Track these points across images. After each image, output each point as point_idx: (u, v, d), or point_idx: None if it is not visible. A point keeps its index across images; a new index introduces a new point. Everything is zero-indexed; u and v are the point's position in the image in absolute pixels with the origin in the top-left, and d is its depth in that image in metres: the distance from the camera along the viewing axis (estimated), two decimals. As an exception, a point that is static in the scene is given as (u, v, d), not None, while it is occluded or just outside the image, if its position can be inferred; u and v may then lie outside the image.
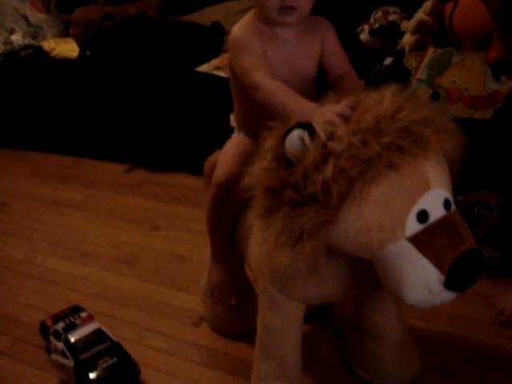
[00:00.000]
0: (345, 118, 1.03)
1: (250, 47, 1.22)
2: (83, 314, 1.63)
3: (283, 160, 1.03)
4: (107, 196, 2.55)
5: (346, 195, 0.98)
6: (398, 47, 2.37)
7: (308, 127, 1.01)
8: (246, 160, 1.23)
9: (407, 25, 2.31)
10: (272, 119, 1.11)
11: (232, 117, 1.45)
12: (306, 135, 1.00)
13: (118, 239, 2.21)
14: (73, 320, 1.61)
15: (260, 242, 1.19)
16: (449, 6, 2.18)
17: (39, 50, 3.02)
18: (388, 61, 2.30)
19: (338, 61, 1.31)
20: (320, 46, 1.29)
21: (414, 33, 2.26)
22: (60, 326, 1.59)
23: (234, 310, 1.60)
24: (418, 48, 2.24)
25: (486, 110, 1.98)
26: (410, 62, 2.24)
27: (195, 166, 2.56)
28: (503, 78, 1.99)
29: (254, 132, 1.28)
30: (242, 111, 1.38)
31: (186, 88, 2.50)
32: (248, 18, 1.28)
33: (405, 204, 1.01)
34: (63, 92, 2.87)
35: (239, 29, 1.26)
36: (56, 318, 1.65)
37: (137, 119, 2.69)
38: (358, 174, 0.97)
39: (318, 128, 1.00)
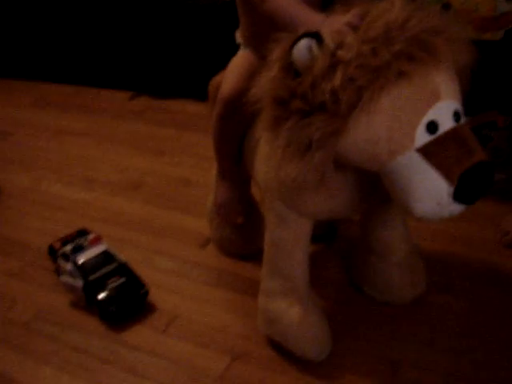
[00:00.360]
0: (353, 28, 1.00)
1: None
2: (90, 236, 1.65)
3: (291, 70, 1.01)
4: (111, 123, 2.54)
5: (355, 104, 0.96)
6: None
7: (316, 36, 0.98)
8: (252, 76, 1.21)
9: None
10: (279, 33, 1.08)
11: (238, 33, 1.42)
12: (313, 44, 0.98)
13: (122, 165, 2.21)
14: (80, 242, 1.62)
15: (267, 155, 1.19)
16: None
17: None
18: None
19: None
20: None
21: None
22: (68, 248, 1.61)
23: (241, 229, 1.61)
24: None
25: (496, 31, 1.93)
26: (418, -19, 2.17)
27: (198, 91, 2.54)
28: (515, -2, 1.94)
29: (260, 47, 1.26)
30: (248, 26, 1.35)
31: (189, 11, 2.45)
32: None
33: (414, 114, 0.99)
34: (64, 19, 2.80)
35: None
36: (64, 241, 1.67)
37: (139, 45, 2.64)
38: (367, 82, 0.95)
39: (326, 37, 0.98)
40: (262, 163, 1.27)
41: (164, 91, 2.68)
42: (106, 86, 2.82)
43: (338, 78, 0.94)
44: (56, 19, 2.85)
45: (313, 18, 1.06)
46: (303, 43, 0.99)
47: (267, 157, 1.20)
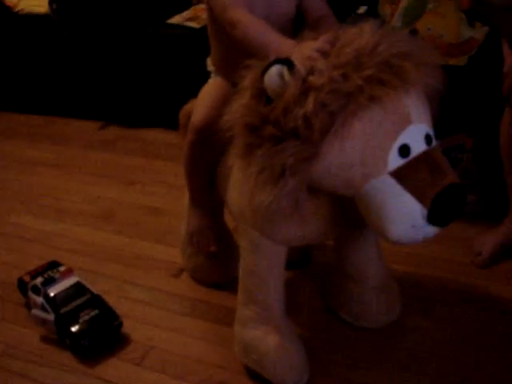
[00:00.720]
0: (324, 54, 1.01)
1: None
2: (62, 268, 1.62)
3: (262, 96, 1.01)
4: (81, 153, 2.51)
5: (328, 129, 0.97)
6: (372, -5, 2.33)
7: (287, 63, 0.99)
8: (223, 103, 1.21)
9: (380, -28, 2.28)
10: (250, 60, 1.08)
11: (209, 61, 1.42)
12: (285, 71, 0.99)
13: (93, 195, 2.18)
14: (51, 274, 1.59)
15: (240, 182, 1.19)
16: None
17: (0, 5, 2.92)
18: (362, 9, 2.28)
19: (317, 3, 1.28)
20: None
21: (387, -20, 2.23)
22: (39, 280, 1.57)
23: (214, 258, 1.59)
24: (392, -5, 2.21)
25: (461, 57, 1.97)
26: (385, 9, 2.22)
27: (168, 120, 2.53)
28: (478, 25, 1.98)
29: (232, 75, 1.26)
30: (219, 53, 1.36)
31: (158, 40, 2.45)
32: None
33: (387, 138, 1.00)
34: (31, 49, 2.78)
35: None
36: (34, 274, 1.63)
37: (109, 74, 2.63)
38: (339, 107, 0.96)
39: (297, 63, 0.99)
40: (235, 190, 1.26)
41: (134, 120, 2.67)
42: (75, 116, 2.80)
43: (310, 104, 0.95)
44: (24, 50, 2.83)
45: (283, 44, 1.07)
46: (274, 70, 0.99)
47: (240, 184, 1.20)
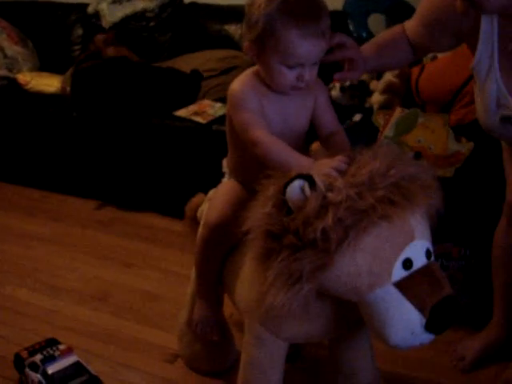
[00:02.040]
0: (340, 172, 1.12)
1: (248, 103, 1.30)
2: (62, 347, 1.65)
3: (284, 207, 1.11)
4: (77, 231, 2.57)
5: (342, 242, 1.07)
6: (367, 105, 2.49)
7: (308, 178, 1.10)
8: (238, 204, 1.32)
9: (376, 85, 2.45)
10: (266, 169, 1.19)
11: (225, 162, 1.52)
12: (306, 186, 1.09)
13: (89, 274, 2.23)
14: (51, 352, 1.63)
15: (251, 280, 1.27)
16: (415, 71, 2.34)
17: (13, 82, 3.05)
18: (357, 117, 2.43)
19: (329, 118, 1.40)
20: (313, 103, 1.38)
21: (382, 92, 2.40)
22: (38, 357, 1.61)
23: (211, 347, 1.64)
24: (386, 107, 2.37)
25: (448, 169, 2.12)
26: (378, 119, 2.36)
27: (164, 206, 2.64)
28: (463, 140, 2.14)
29: (247, 180, 1.38)
30: (236, 159, 1.45)
31: (162, 131, 2.57)
32: (246, 75, 1.35)
33: (392, 252, 1.11)
34: (37, 125, 2.89)
35: (238, 85, 1.33)
36: (32, 350, 1.66)
37: (111, 157, 2.72)
38: (353, 223, 1.07)
39: (318, 179, 1.09)
40: (244, 287, 1.35)
41: (130, 203, 2.74)
42: (72, 194, 2.87)
43: (329, 218, 1.05)
44: (29, 125, 2.92)
45: (302, 162, 1.18)
46: (296, 184, 1.10)
47: (250, 282, 1.29)
